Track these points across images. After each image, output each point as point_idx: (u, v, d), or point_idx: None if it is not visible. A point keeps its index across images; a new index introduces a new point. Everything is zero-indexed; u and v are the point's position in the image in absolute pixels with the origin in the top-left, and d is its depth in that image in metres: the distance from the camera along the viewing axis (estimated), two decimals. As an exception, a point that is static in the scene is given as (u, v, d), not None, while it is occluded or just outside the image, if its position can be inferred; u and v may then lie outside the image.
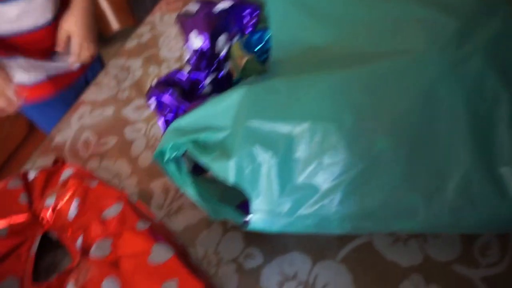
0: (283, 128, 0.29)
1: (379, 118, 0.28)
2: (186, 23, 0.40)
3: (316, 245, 0.37)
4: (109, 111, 0.57)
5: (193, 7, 0.41)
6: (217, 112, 0.32)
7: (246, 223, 0.33)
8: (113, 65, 0.67)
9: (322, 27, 0.34)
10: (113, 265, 0.31)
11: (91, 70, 0.89)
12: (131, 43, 0.72)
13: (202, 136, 0.32)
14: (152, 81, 0.62)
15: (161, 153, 0.35)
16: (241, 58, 0.47)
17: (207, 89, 0.43)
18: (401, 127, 0.28)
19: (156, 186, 0.45)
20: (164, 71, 0.63)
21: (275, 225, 0.31)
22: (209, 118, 0.32)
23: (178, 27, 0.41)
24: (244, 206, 0.37)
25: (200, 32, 0.38)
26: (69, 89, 0.86)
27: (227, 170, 0.30)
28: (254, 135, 0.29)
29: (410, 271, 0.34)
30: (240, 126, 0.30)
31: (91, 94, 0.61)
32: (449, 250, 0.35)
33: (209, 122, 0.32)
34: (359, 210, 0.30)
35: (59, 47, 0.76)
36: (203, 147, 0.32)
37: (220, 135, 0.32)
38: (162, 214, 0.42)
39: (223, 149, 0.31)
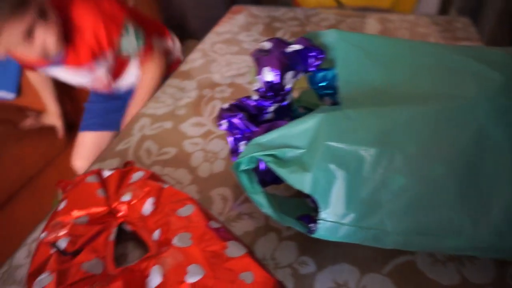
0: (355, 150, 0.35)
1: (438, 149, 0.34)
2: (261, 59, 0.46)
3: (362, 259, 0.42)
4: (167, 125, 0.63)
5: (267, 45, 0.48)
6: (295, 134, 0.38)
7: (312, 230, 0.38)
8: (169, 85, 0.74)
9: (386, 70, 0.40)
10: (195, 254, 0.36)
11: None
12: (185, 67, 0.79)
13: (279, 152, 0.38)
14: (206, 102, 0.68)
15: (238, 164, 0.40)
16: (296, 90, 0.53)
17: (270, 115, 0.49)
18: (455, 158, 0.34)
19: (215, 194, 0.50)
20: (217, 94, 0.70)
21: (338, 234, 0.36)
22: (287, 138, 0.38)
23: (253, 60, 0.47)
24: (302, 219, 0.42)
25: (273, 68, 0.45)
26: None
27: (304, 182, 0.35)
28: (330, 154, 0.35)
29: (449, 288, 0.39)
30: (318, 146, 0.36)
31: (149, 108, 0.68)
32: (484, 274, 0.40)
33: (287, 141, 0.38)
34: (414, 227, 0.35)
35: None
36: (281, 161, 0.38)
37: (296, 152, 0.37)
38: (221, 220, 0.47)
39: (300, 164, 0.36)
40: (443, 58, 0.39)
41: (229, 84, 0.72)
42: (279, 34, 0.91)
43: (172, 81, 0.75)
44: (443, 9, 1.43)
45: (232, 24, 0.98)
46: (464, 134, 0.34)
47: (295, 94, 0.56)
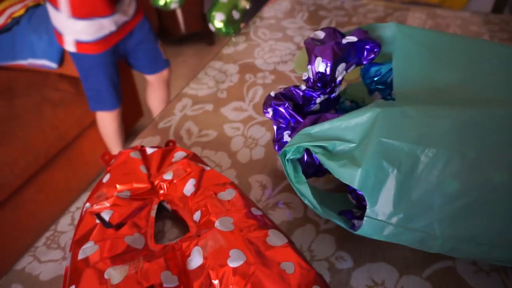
0: (411, 149, 0.33)
1: (500, 156, 0.32)
2: (314, 48, 0.45)
3: (401, 259, 0.41)
4: (208, 107, 0.63)
5: (320, 34, 0.47)
6: (347, 127, 0.37)
7: (356, 226, 0.37)
8: (212, 67, 0.74)
9: (447, 69, 0.38)
10: (237, 239, 0.36)
11: (140, 29, 1.30)
12: (228, 50, 0.79)
13: (329, 145, 0.37)
14: (247, 87, 0.68)
15: (285, 153, 0.40)
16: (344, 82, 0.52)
17: (316, 106, 0.48)
18: (518, 167, 0.32)
19: (254, 180, 0.50)
20: (259, 80, 0.69)
21: (383, 233, 0.35)
22: (339, 130, 0.37)
23: (306, 49, 0.46)
24: (343, 214, 0.42)
25: (325, 59, 0.43)
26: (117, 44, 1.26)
27: (354, 177, 0.34)
28: (383, 151, 0.34)
29: (492, 300, 0.37)
30: (371, 141, 0.35)
31: (191, 89, 0.68)
32: (530, 289, 0.38)
33: (339, 133, 0.37)
34: (465, 234, 0.33)
35: None
36: (330, 154, 0.37)
37: (347, 146, 0.36)
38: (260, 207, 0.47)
39: (351, 158, 0.35)
40: (509, 60, 0.37)
41: (271, 71, 0.71)
42: (324, 23, 0.89)
43: (214, 63, 0.75)
44: (496, 8, 1.36)
45: (277, 10, 0.96)
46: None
47: (342, 86, 0.55)
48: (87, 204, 0.43)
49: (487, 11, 1.27)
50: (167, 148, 0.51)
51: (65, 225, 0.46)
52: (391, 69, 0.44)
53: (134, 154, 0.49)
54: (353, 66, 0.46)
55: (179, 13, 2.33)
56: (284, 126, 0.46)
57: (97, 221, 0.41)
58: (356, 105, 0.53)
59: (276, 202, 0.47)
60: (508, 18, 0.89)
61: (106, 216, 0.41)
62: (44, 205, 1.35)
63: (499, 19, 0.89)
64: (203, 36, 2.55)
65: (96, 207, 0.42)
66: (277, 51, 0.78)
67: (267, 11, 0.96)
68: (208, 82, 0.70)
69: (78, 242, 0.39)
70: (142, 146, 0.51)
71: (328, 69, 0.43)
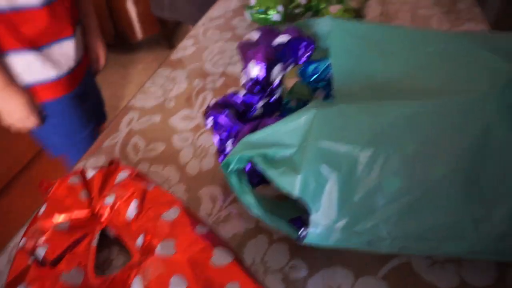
0: (349, 150, 0.32)
1: (440, 149, 0.31)
2: (246, 52, 0.43)
3: (357, 261, 0.40)
4: (156, 118, 0.61)
5: (254, 35, 0.45)
6: (286, 131, 0.35)
7: (302, 236, 0.36)
8: (159, 75, 0.71)
9: (386, 62, 0.37)
10: (178, 264, 0.34)
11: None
12: (176, 55, 0.76)
13: (271, 152, 0.35)
14: (196, 93, 0.65)
15: (227, 164, 0.38)
16: (289, 80, 0.50)
17: (258, 111, 0.46)
18: (459, 158, 0.31)
19: (204, 193, 0.48)
20: (208, 85, 0.67)
21: (330, 240, 0.34)
22: (278, 135, 0.35)
23: (239, 53, 0.44)
24: (294, 222, 0.40)
25: (259, 62, 0.42)
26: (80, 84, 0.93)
27: (293, 184, 0.33)
28: (322, 154, 0.32)
29: (449, 293, 0.37)
30: (309, 145, 0.33)
31: (138, 100, 0.65)
32: (484, 276, 0.38)
33: (278, 139, 0.35)
34: (412, 231, 0.32)
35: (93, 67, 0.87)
36: (271, 161, 0.35)
37: (287, 152, 0.35)
38: (210, 221, 0.45)
39: (290, 165, 0.34)
40: (448, 48, 0.36)
41: (221, 73, 0.69)
42: (274, 19, 0.87)
43: (162, 71, 0.72)
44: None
45: (226, 8, 0.94)
46: (468, 132, 0.31)
47: (289, 84, 0.53)
48: (22, 241, 0.40)
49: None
50: (110, 168, 0.48)
51: (2, 266, 0.42)
52: (329, 65, 0.43)
53: (73, 180, 0.46)
54: (291, 66, 0.44)
55: (133, 17, 2.26)
56: (226, 135, 0.44)
57: (31, 259, 0.38)
58: (303, 103, 0.51)
59: (228, 213, 0.45)
60: (454, 0, 0.90)
61: (41, 252, 0.38)
62: None
63: (447, 1, 0.90)
64: (161, 40, 2.48)
65: (30, 244, 0.39)
66: (227, 52, 0.76)
67: (216, 10, 0.93)
68: (155, 91, 0.67)
69: (10, 286, 0.36)
70: (83, 169, 0.48)
71: (262, 72, 0.41)
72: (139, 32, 2.32)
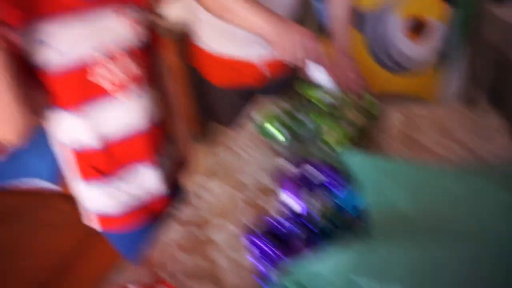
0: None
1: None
2: (283, 182, 0.48)
3: None
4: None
5: (287, 164, 0.50)
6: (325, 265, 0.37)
7: None
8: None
9: (412, 197, 0.40)
10: None
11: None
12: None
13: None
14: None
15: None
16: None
17: (301, 243, 0.49)
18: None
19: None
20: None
21: None
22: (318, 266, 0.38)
23: (274, 181, 0.49)
24: None
25: (298, 197, 0.46)
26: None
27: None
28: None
29: None
30: (344, 278, 0.35)
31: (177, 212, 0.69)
32: None
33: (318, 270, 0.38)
34: None
35: None
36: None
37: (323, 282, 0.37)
38: None
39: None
40: (471, 186, 0.39)
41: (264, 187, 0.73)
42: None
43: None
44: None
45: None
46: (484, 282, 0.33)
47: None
48: None
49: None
50: (153, 284, 0.50)
51: None
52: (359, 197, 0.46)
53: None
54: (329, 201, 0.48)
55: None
56: (267, 262, 0.46)
57: None
58: (334, 226, 0.52)
59: None
60: (479, 113, 0.94)
61: None
62: None
63: (473, 114, 0.94)
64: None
65: None
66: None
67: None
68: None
69: None
70: (126, 285, 0.50)
71: (303, 209, 0.45)
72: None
